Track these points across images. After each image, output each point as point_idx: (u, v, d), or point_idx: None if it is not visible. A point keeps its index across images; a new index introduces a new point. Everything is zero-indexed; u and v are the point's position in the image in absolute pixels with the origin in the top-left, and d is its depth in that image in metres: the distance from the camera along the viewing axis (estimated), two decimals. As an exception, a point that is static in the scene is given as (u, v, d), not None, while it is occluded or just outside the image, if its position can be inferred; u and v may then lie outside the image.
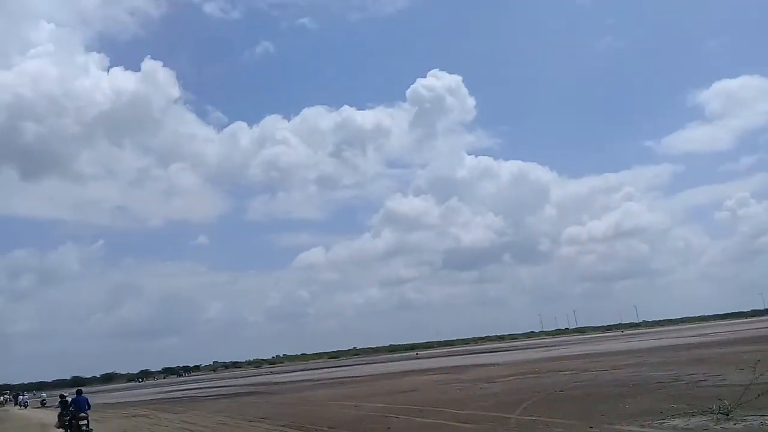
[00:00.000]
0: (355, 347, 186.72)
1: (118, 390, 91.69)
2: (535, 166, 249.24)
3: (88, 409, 21.75)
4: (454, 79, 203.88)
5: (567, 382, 25.08)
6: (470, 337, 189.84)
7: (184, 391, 58.71)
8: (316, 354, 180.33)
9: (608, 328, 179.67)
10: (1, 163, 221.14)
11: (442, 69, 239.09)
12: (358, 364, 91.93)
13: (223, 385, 66.15)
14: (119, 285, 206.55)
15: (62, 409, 24.38)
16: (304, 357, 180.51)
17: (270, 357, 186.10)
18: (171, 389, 69.62)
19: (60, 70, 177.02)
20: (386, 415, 19.59)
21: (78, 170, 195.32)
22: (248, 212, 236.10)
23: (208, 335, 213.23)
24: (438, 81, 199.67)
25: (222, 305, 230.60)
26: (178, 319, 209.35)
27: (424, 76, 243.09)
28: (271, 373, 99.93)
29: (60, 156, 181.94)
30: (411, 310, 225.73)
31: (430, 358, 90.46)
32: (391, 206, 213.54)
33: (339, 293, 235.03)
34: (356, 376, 51.90)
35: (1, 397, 73.28)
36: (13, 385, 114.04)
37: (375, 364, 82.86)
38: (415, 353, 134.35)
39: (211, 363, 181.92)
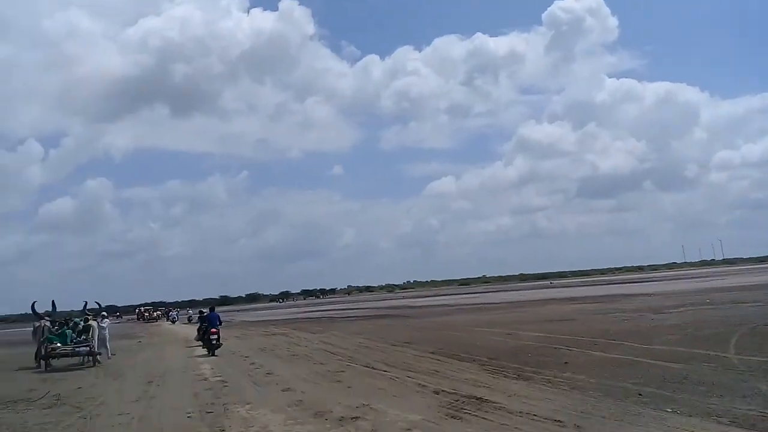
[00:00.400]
0: (484, 275, 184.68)
1: (260, 309, 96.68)
2: (683, 86, 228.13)
3: (219, 324, 23.05)
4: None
5: (764, 315, 20.94)
6: (606, 267, 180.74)
7: (322, 312, 59.68)
8: (446, 281, 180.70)
9: (761, 260, 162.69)
10: (154, 102, 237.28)
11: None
12: (491, 291, 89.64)
13: (358, 307, 66.72)
14: (262, 212, 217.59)
15: (200, 324, 25.73)
16: (434, 283, 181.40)
17: (401, 282, 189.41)
18: (309, 309, 71.59)
19: (204, 14, 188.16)
20: (553, 345, 16.86)
21: (222, 106, 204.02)
22: (381, 142, 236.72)
23: (342, 260, 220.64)
24: (577, 2, 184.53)
25: (355, 232, 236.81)
26: (315, 245, 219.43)
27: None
28: (404, 297, 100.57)
29: (206, 94, 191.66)
30: (542, 239, 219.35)
31: (566, 287, 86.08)
32: (524, 134, 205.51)
33: (469, 221, 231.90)
34: (493, 303, 49.55)
35: (156, 313, 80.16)
36: (168, 302, 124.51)
37: (509, 292, 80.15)
38: (549, 282, 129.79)
39: (346, 286, 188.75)
